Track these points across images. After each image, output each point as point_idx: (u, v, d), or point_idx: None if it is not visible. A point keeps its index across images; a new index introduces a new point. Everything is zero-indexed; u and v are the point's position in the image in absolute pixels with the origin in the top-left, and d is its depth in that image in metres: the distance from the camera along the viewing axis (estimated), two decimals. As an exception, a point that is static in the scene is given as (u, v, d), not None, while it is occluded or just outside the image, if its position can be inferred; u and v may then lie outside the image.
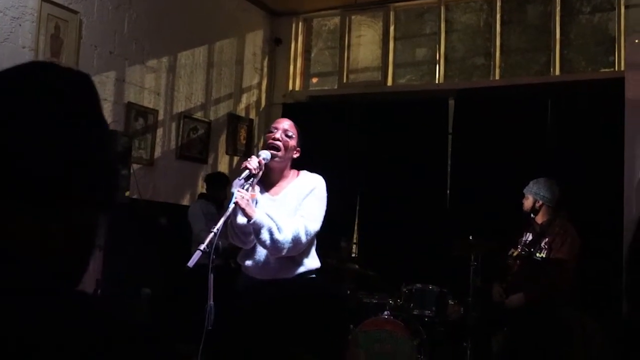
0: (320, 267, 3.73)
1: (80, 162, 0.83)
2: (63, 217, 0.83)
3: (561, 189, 5.58)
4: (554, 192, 5.51)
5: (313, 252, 3.70)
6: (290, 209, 3.57)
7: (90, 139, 0.86)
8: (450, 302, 5.72)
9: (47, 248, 0.82)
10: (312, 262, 3.66)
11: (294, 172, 3.76)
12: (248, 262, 3.61)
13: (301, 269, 3.59)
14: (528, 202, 5.57)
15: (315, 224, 3.55)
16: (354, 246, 7.23)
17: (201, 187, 7.30)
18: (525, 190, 5.59)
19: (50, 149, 0.81)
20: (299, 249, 3.51)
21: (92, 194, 0.86)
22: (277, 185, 3.69)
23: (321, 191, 3.66)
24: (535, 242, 5.46)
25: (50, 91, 0.85)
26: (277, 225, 3.38)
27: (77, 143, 0.83)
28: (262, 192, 3.65)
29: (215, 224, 3.18)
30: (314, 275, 3.67)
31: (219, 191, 6.55)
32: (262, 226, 3.35)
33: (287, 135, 3.64)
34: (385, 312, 5.59)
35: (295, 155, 3.73)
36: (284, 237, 3.40)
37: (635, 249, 1.12)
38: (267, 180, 3.69)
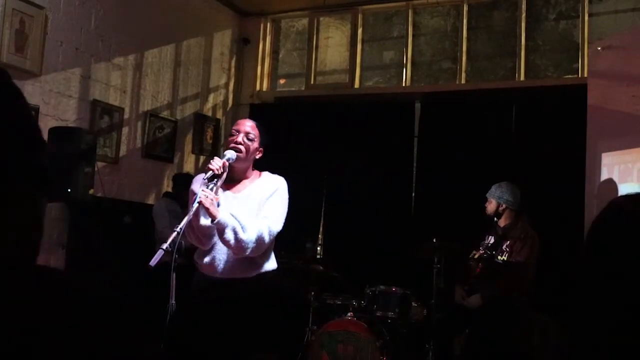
0: (277, 268, 3.74)
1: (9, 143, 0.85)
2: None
3: (524, 192, 5.66)
4: (516, 195, 5.58)
5: (271, 254, 3.72)
6: (252, 208, 3.57)
7: (13, 123, 0.87)
8: (414, 303, 5.75)
9: None
10: (270, 264, 3.69)
11: (256, 172, 3.77)
12: (206, 260, 3.58)
13: (259, 270, 3.60)
14: (491, 206, 5.63)
15: (278, 224, 3.58)
16: (319, 247, 7.22)
17: (166, 186, 7.27)
18: (488, 195, 5.66)
19: None
20: (261, 249, 3.52)
21: (27, 176, 0.87)
22: (240, 183, 3.68)
23: (284, 192, 3.68)
24: (496, 245, 5.53)
25: None
26: (241, 224, 3.38)
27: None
28: (223, 189, 3.65)
29: (179, 223, 3.17)
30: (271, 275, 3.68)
31: (184, 191, 6.49)
32: (227, 226, 3.34)
33: (248, 139, 3.63)
34: (349, 314, 5.60)
35: (258, 156, 3.73)
36: (248, 236, 3.40)
37: (583, 269, 1.14)
38: (229, 178, 3.67)
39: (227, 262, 3.54)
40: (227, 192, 3.65)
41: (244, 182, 3.70)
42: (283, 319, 3.57)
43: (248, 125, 3.69)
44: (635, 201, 1.28)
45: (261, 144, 3.71)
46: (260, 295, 3.51)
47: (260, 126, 3.75)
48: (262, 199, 3.60)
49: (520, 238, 5.42)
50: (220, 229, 3.35)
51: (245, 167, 3.69)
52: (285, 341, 3.66)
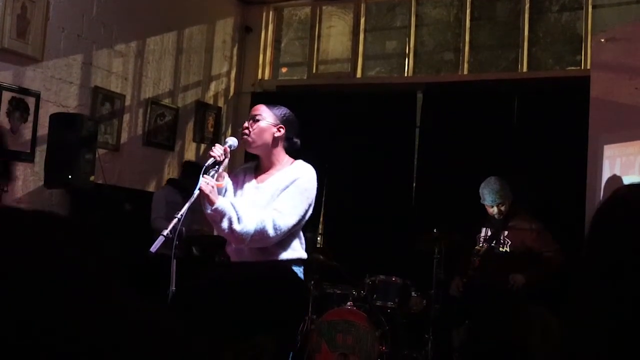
0: (302, 259, 3.58)
1: None
2: None
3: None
4: (506, 187, 5.57)
5: (294, 244, 3.53)
6: (267, 199, 3.46)
7: None
8: (413, 294, 5.76)
9: None
10: (288, 253, 3.51)
11: (288, 159, 3.65)
12: (228, 248, 3.59)
13: (270, 257, 3.47)
14: (505, 207, 5.55)
15: (288, 218, 3.37)
16: (319, 237, 7.23)
17: (167, 174, 7.26)
18: (492, 201, 5.55)
19: None
20: (267, 242, 3.38)
21: None
22: (267, 172, 3.60)
23: (304, 183, 3.50)
24: (494, 236, 5.53)
25: None
26: (237, 215, 3.30)
27: None
28: (251, 178, 3.61)
29: (179, 211, 3.16)
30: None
31: (191, 180, 6.44)
32: (223, 214, 3.29)
33: (254, 120, 3.56)
34: (348, 303, 5.61)
35: (277, 135, 3.60)
36: (243, 227, 3.30)
37: (583, 270, 1.13)
38: (259, 166, 3.66)
39: (243, 250, 3.50)
40: (253, 181, 3.59)
41: (272, 170, 3.59)
42: (280, 304, 3.52)
43: (256, 109, 3.64)
44: (638, 191, 1.27)
45: (277, 120, 3.62)
46: (255, 278, 3.44)
47: (271, 106, 3.66)
48: (276, 191, 3.46)
49: (521, 229, 5.44)
50: (218, 217, 3.31)
51: (267, 153, 3.60)
52: (281, 326, 3.62)
